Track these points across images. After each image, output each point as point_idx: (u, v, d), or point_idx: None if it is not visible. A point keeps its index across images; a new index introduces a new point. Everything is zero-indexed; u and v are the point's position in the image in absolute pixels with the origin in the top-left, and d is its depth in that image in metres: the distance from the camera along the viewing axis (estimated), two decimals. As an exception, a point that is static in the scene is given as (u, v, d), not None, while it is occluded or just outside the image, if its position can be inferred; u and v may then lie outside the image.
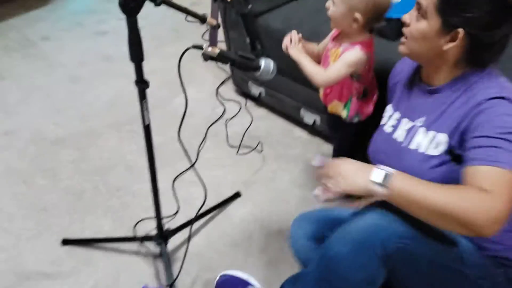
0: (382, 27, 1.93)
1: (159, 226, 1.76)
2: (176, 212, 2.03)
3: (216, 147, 2.40)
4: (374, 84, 1.77)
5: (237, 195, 2.12)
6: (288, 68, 2.23)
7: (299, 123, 2.43)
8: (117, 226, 1.99)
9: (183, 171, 2.22)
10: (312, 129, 2.39)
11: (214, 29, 1.35)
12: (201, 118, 2.57)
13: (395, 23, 1.96)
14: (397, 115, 1.34)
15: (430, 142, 1.18)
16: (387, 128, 1.35)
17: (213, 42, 1.32)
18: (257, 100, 2.61)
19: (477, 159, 1.01)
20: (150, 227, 1.95)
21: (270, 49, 2.29)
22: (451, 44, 1.12)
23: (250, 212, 2.05)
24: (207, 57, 1.30)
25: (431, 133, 1.18)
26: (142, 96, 1.38)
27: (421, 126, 1.22)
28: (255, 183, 2.19)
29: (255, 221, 2.01)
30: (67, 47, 3.26)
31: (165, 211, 1.99)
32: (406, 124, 1.28)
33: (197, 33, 3.27)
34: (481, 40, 1.10)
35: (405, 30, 1.22)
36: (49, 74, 2.95)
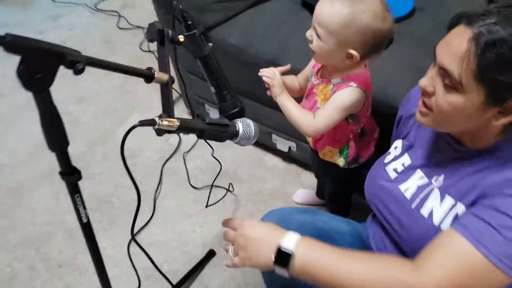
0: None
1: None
2: (138, 290, 1.63)
3: (177, 190, 1.98)
4: (373, 120, 1.41)
5: (211, 254, 1.74)
6: (254, 90, 1.85)
7: (271, 149, 2.06)
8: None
9: (137, 232, 1.81)
10: (286, 155, 2.02)
11: (166, 87, 0.94)
12: (153, 152, 2.14)
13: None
14: (407, 159, 1.05)
15: (447, 213, 0.92)
16: (391, 172, 1.06)
17: (166, 107, 0.92)
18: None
19: (463, 226, 0.81)
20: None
21: (227, 70, 1.92)
22: (503, 120, 0.81)
23: (231, 275, 1.67)
24: (162, 132, 0.90)
25: (448, 200, 0.92)
26: (74, 191, 0.96)
27: (437, 188, 0.95)
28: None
29: (238, 287, 1.64)
30: (-23, 73, 2.70)
31: (124, 287, 1.60)
32: (419, 178, 1.00)
33: (133, 43, 2.80)
34: None
35: (427, 101, 0.88)
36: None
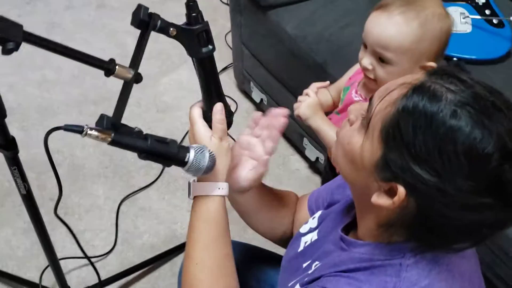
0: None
1: (63, 283, 1.31)
2: (109, 252, 1.60)
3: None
4: None
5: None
6: (296, 85, 1.67)
7: (300, 151, 1.89)
8: (35, 253, 1.57)
9: (132, 193, 1.76)
10: (313, 164, 1.85)
11: (128, 86, 0.81)
12: (185, 114, 2.03)
13: (455, 66, 1.37)
14: (315, 235, 0.88)
15: None
16: (302, 244, 0.90)
17: (117, 112, 0.79)
18: (259, 105, 2.05)
19: None
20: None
21: (275, 56, 1.73)
22: (382, 200, 0.63)
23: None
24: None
25: None
26: (12, 163, 0.89)
27: (306, 277, 0.78)
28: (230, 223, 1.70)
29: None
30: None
31: (99, 243, 1.57)
32: (310, 257, 0.83)
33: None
34: (437, 217, 0.61)
35: (344, 126, 0.74)
36: (25, 13, 2.42)
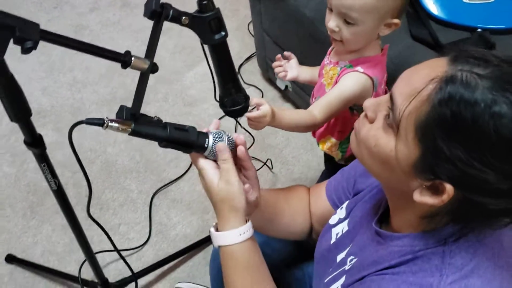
0: (462, 42, 1.35)
1: (100, 276, 1.36)
2: (144, 244, 1.64)
3: (218, 152, 1.91)
4: None
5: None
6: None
7: (328, 135, 1.88)
8: (74, 248, 1.63)
9: (164, 186, 1.80)
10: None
11: (145, 76, 0.83)
12: (211, 105, 2.07)
13: (479, 37, 1.33)
14: (346, 225, 0.87)
15: None
16: (334, 235, 0.89)
17: (135, 102, 0.81)
18: (283, 92, 2.05)
19: None
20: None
21: (297, 41, 1.73)
22: (427, 198, 0.62)
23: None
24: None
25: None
26: (41, 160, 0.93)
27: (345, 273, 0.78)
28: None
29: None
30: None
31: (134, 236, 1.61)
32: (346, 249, 0.83)
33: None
34: (485, 206, 0.60)
35: (362, 121, 0.71)
36: (53, 18, 2.50)
